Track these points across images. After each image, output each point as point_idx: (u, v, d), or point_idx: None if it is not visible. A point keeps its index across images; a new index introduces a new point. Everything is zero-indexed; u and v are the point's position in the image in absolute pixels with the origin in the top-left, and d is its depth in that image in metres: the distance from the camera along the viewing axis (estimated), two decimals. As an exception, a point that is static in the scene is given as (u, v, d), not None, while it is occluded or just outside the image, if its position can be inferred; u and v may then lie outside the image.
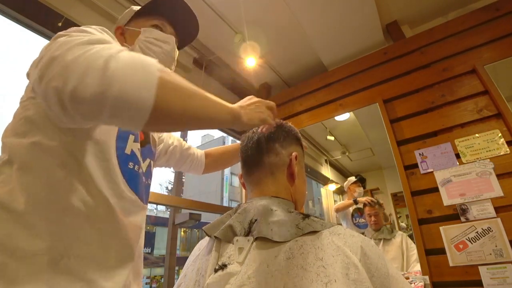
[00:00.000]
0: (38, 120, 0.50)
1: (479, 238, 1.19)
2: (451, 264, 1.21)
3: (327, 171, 2.42)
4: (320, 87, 2.01)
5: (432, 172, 1.39)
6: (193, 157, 0.98)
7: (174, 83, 0.42)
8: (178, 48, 0.82)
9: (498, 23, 1.45)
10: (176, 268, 1.76)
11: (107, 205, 0.53)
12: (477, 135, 1.33)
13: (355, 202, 1.93)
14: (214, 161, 1.03)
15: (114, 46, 0.41)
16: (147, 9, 0.75)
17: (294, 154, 0.56)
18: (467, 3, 1.77)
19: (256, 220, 0.46)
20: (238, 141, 0.99)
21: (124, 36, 0.75)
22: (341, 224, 1.88)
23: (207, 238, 0.54)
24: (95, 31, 0.50)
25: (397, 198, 1.91)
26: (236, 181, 14.91)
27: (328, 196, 2.43)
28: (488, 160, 1.27)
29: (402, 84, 1.65)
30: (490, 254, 1.15)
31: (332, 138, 2.26)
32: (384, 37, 1.93)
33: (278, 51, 2.07)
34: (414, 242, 1.40)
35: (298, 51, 2.10)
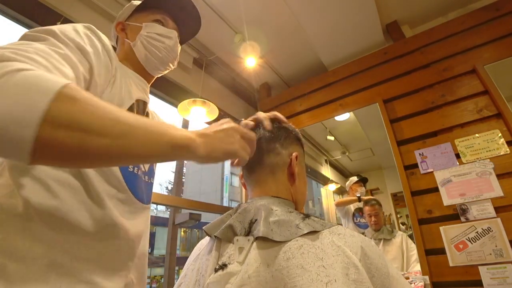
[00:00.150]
0: None
1: (479, 238, 1.19)
2: (451, 264, 1.21)
3: (327, 171, 2.42)
4: (320, 87, 2.01)
5: (432, 172, 1.39)
6: None
7: (77, 108, 0.31)
8: (180, 43, 0.81)
9: (498, 23, 1.45)
10: (176, 268, 1.76)
11: (107, 208, 0.53)
12: (477, 135, 1.33)
13: (359, 199, 1.93)
14: None
15: (17, 65, 0.32)
16: (148, 3, 0.74)
17: (294, 154, 0.56)
18: (467, 3, 1.77)
19: (256, 220, 0.46)
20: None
21: (125, 31, 0.74)
22: (341, 224, 1.87)
23: (207, 238, 0.54)
24: (54, 38, 0.44)
25: (397, 198, 1.91)
26: (236, 181, 14.91)
27: (328, 196, 2.43)
28: (488, 160, 1.27)
29: (402, 84, 1.65)
30: (490, 254, 1.15)
31: (332, 138, 2.26)
32: (384, 37, 1.93)
33: (278, 51, 2.07)
34: (414, 242, 1.40)
35: (298, 51, 2.10)
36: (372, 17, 1.76)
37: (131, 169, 0.61)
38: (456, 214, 1.27)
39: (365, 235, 1.22)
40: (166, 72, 0.78)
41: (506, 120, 1.27)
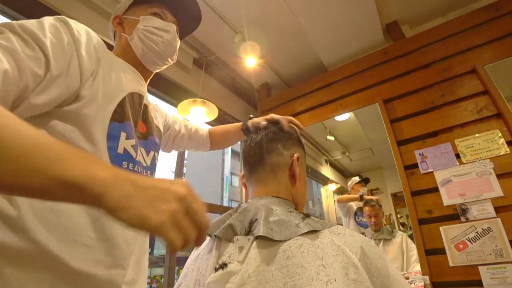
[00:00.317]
0: None
1: (479, 238, 1.19)
2: (451, 264, 1.21)
3: (327, 171, 2.42)
4: (320, 87, 2.01)
5: (432, 172, 1.39)
6: (200, 139, 0.98)
7: None
8: (180, 38, 0.79)
9: (498, 23, 1.45)
10: (176, 268, 1.76)
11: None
12: (477, 135, 1.33)
13: (361, 197, 1.93)
14: (216, 142, 1.02)
15: None
16: None
17: (296, 155, 0.56)
18: (467, 3, 1.77)
19: (256, 219, 0.46)
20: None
21: (122, 25, 0.72)
22: (341, 224, 1.87)
23: (207, 238, 0.54)
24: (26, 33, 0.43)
25: (397, 198, 1.91)
26: (236, 181, 14.91)
27: (328, 196, 2.43)
28: (488, 160, 1.27)
29: (402, 84, 1.65)
30: (490, 254, 1.15)
31: (332, 138, 2.26)
32: (384, 37, 1.93)
33: (278, 51, 2.07)
34: (414, 242, 1.40)
35: (298, 51, 2.10)
36: (372, 17, 1.76)
37: (126, 166, 0.59)
38: (456, 214, 1.27)
39: (365, 235, 1.22)
40: (164, 67, 0.76)
41: (506, 120, 1.27)
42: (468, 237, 1.21)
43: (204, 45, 1.96)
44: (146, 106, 0.71)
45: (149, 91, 0.77)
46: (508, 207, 1.18)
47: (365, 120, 2.07)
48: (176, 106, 1.67)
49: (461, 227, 1.24)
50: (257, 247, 0.42)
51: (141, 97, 0.69)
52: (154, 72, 0.77)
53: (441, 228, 1.28)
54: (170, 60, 0.75)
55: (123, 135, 0.59)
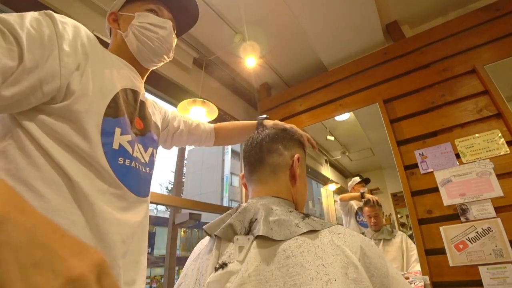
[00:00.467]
0: (9, 124, 0.49)
1: (479, 238, 1.19)
2: (451, 264, 1.21)
3: (327, 171, 2.42)
4: (320, 87, 2.01)
5: (432, 172, 1.39)
6: (202, 134, 0.96)
7: None
8: (177, 35, 0.78)
9: (498, 23, 1.45)
10: (176, 268, 1.76)
11: (95, 205, 0.51)
12: (477, 135, 1.33)
13: (362, 195, 1.94)
14: (223, 137, 1.01)
15: None
16: None
17: (296, 155, 0.57)
18: (467, 3, 1.77)
19: (256, 219, 0.46)
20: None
21: (118, 22, 0.71)
22: (341, 224, 1.87)
23: (207, 238, 0.54)
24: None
25: (397, 198, 1.91)
26: (236, 181, 14.90)
27: (328, 196, 2.43)
28: (488, 160, 1.27)
29: (402, 84, 1.65)
30: (490, 254, 1.15)
31: (332, 138, 2.26)
32: (384, 37, 1.93)
33: (278, 51, 2.07)
34: (414, 242, 1.40)
35: (298, 51, 2.10)
36: (372, 17, 1.76)
37: (122, 162, 0.59)
38: (456, 214, 1.27)
39: (365, 235, 1.22)
40: (160, 64, 0.76)
41: (506, 120, 1.27)
42: (468, 237, 1.21)
43: (204, 45, 1.96)
44: (143, 103, 0.71)
45: (149, 91, 0.77)
46: (508, 207, 1.18)
47: (365, 120, 2.07)
48: (176, 106, 1.67)
49: (461, 227, 1.24)
50: (257, 247, 0.42)
51: (136, 93, 0.68)
52: (151, 69, 0.76)
53: (441, 228, 1.28)
54: (166, 57, 0.74)
55: (117, 130, 0.59)
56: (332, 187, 2.40)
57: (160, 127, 0.81)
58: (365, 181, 2.07)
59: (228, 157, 16.15)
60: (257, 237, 0.43)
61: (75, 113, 0.52)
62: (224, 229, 0.47)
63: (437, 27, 1.64)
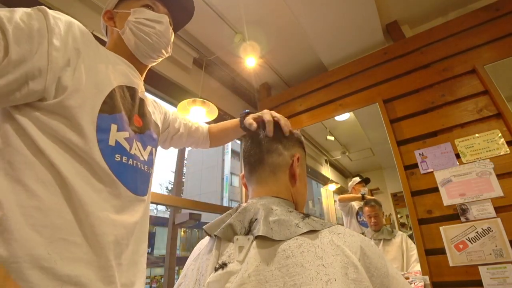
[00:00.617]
0: (1, 119, 0.49)
1: (479, 238, 1.19)
2: (451, 264, 1.21)
3: (327, 171, 2.42)
4: (320, 87, 2.01)
5: (432, 172, 1.39)
6: (200, 137, 0.97)
7: None
8: (174, 30, 0.77)
9: (498, 23, 1.45)
10: (176, 268, 1.76)
11: (88, 205, 0.51)
12: (477, 135, 1.33)
13: (363, 197, 1.94)
14: (215, 139, 1.01)
15: None
16: None
17: (296, 155, 0.57)
18: (467, 3, 1.77)
19: (256, 219, 0.46)
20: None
21: (114, 20, 0.70)
22: (342, 224, 1.87)
23: (207, 238, 0.54)
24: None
25: (397, 198, 1.91)
26: (236, 181, 14.91)
27: (328, 196, 2.43)
28: (488, 160, 1.27)
29: (402, 84, 1.65)
30: (490, 254, 1.15)
31: (332, 138, 2.26)
32: (384, 37, 1.93)
33: (278, 51, 2.07)
34: (414, 242, 1.40)
35: (298, 51, 2.10)
36: (372, 17, 1.76)
37: (119, 159, 0.57)
38: (456, 214, 1.27)
39: (365, 235, 1.22)
40: (159, 60, 0.75)
41: (506, 120, 1.27)
42: (468, 237, 1.21)
43: (204, 45, 1.96)
44: (142, 100, 0.70)
45: (149, 91, 0.77)
46: (508, 207, 1.18)
47: (365, 120, 2.07)
48: (176, 106, 1.67)
49: (461, 227, 1.24)
50: (257, 247, 0.42)
51: (133, 89, 0.67)
52: (149, 66, 0.76)
53: (441, 228, 1.28)
54: (164, 52, 0.73)
55: (113, 127, 0.58)
56: (332, 187, 2.40)
57: (160, 127, 0.80)
58: (365, 181, 2.08)
59: (228, 157, 16.16)
60: (257, 237, 0.43)
61: (68, 109, 0.51)
62: (224, 229, 0.47)
63: (437, 27, 1.64)
